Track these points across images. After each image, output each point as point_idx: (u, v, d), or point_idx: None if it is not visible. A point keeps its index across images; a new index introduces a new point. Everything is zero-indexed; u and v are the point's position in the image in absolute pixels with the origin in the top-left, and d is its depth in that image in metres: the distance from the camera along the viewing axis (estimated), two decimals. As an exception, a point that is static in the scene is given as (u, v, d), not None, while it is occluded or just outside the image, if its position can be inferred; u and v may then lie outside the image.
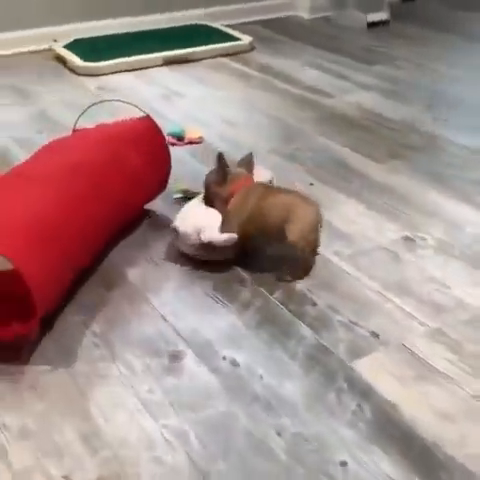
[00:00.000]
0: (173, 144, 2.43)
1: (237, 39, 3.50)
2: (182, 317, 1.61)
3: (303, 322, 1.59)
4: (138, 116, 1.98)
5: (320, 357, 1.48)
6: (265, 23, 3.89)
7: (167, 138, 2.40)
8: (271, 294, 1.68)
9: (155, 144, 1.96)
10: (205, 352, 1.50)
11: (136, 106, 1.98)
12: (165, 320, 1.60)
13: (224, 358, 1.48)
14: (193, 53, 3.32)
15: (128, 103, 1.98)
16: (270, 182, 1.90)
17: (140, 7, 3.66)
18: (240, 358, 1.48)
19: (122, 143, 1.87)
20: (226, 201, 1.76)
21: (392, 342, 1.52)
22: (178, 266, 1.79)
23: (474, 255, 1.81)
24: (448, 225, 1.95)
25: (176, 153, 2.15)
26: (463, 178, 2.21)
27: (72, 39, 3.42)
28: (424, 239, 1.89)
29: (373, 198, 2.09)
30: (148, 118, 1.96)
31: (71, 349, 1.50)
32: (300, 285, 1.71)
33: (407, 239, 1.89)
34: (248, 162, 1.82)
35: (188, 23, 3.71)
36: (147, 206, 2.02)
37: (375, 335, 1.54)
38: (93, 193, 1.71)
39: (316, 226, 1.71)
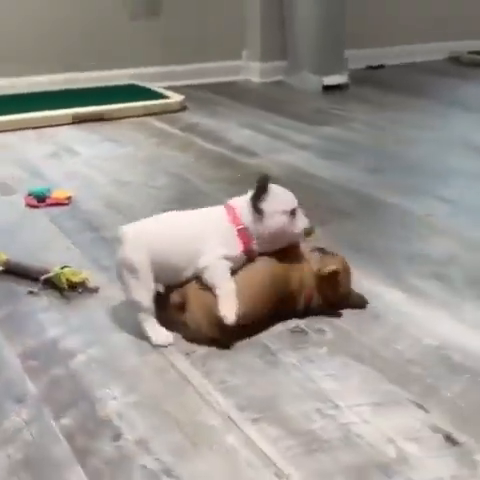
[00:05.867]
0: (32, 206, 1.92)
1: (165, 98, 3.01)
2: None
3: (84, 466, 0.95)
4: None
5: None
6: (211, 86, 3.42)
7: (26, 199, 1.95)
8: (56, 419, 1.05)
9: None
10: None
11: None
12: None
13: None
14: (109, 111, 2.81)
15: None
16: None
17: (67, 64, 3.22)
18: None
19: None
20: None
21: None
22: None
23: (383, 360, 1.19)
24: (361, 314, 1.33)
25: (33, 216, 1.85)
26: (395, 253, 1.61)
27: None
28: (321, 331, 1.27)
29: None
30: None
31: None
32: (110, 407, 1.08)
33: (297, 331, 1.27)
34: None
35: (123, 83, 3.26)
36: None
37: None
38: None
39: None
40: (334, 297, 1.31)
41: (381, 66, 3.77)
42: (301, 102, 3.16)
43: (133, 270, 1.24)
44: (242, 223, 1.28)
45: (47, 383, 1.13)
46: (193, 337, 1.24)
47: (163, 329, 1.24)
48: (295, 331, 1.27)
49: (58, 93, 3.08)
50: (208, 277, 1.23)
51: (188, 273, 1.26)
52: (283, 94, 3.33)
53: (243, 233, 1.27)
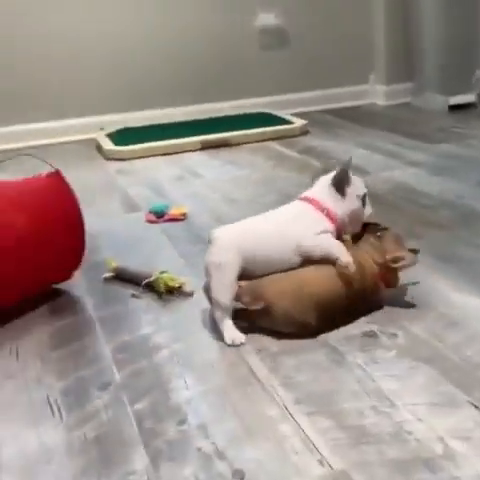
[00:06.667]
0: (152, 222, 2.08)
1: (289, 123, 3.11)
2: None
3: (147, 446, 1.05)
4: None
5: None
6: (337, 110, 3.49)
7: (146, 215, 2.12)
8: (131, 404, 1.16)
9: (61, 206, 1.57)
10: None
11: (49, 163, 1.62)
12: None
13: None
14: (233, 137, 2.96)
15: (40, 159, 1.62)
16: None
17: (201, 96, 3.44)
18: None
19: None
20: None
21: (259, 487, 0.94)
22: None
23: (451, 363, 1.19)
24: (440, 321, 1.34)
25: (151, 230, 2.01)
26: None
27: (120, 127, 3.24)
28: (394, 335, 1.29)
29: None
30: (57, 175, 1.59)
31: None
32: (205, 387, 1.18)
33: (369, 335, 1.30)
34: None
35: (253, 111, 3.41)
36: (63, 285, 1.63)
37: (239, 476, 0.96)
38: None
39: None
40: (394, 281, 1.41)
41: (517, 83, 3.64)
42: (424, 122, 3.14)
43: (219, 270, 1.33)
44: (326, 207, 1.42)
45: (130, 373, 1.25)
46: (281, 326, 1.31)
47: (237, 330, 1.32)
48: (367, 335, 1.30)
49: (190, 122, 3.29)
50: (319, 251, 1.37)
51: (295, 260, 1.38)
52: (407, 115, 3.32)
53: (329, 213, 1.42)
